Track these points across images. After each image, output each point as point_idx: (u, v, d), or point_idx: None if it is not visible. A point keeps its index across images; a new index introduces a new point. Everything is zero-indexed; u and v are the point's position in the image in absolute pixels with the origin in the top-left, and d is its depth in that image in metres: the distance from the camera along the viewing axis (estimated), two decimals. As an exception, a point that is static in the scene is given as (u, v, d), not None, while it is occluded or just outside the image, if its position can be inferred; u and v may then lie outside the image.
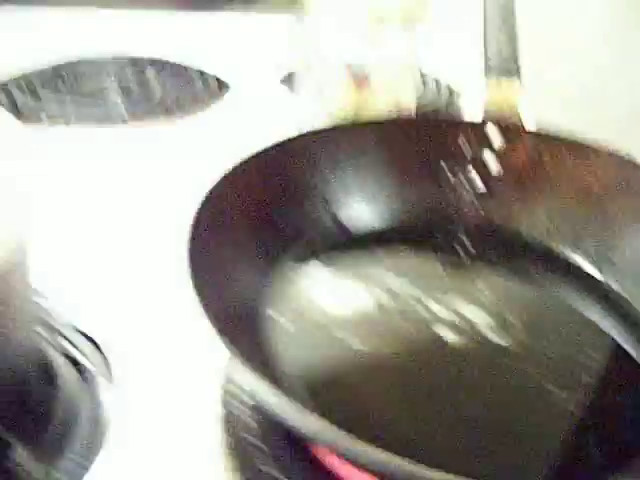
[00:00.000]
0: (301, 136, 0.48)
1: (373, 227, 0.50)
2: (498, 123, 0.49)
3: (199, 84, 0.77)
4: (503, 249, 0.49)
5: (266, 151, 0.45)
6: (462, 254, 0.48)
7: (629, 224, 0.47)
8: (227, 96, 0.74)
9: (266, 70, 0.79)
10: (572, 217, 0.49)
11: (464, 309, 0.43)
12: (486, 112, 0.49)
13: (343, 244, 0.48)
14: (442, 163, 0.50)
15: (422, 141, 0.51)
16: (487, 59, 0.49)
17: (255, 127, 0.65)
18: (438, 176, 0.50)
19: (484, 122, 0.49)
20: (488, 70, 0.49)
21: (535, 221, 0.49)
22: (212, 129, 0.66)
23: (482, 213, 0.50)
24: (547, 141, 0.49)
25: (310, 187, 0.48)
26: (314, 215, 0.48)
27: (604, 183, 0.48)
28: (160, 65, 0.80)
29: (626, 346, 0.42)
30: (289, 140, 0.46)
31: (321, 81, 0.56)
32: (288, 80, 0.74)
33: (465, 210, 0.50)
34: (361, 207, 0.50)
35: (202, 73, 0.79)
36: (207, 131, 0.66)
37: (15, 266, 0.29)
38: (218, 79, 0.77)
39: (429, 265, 0.48)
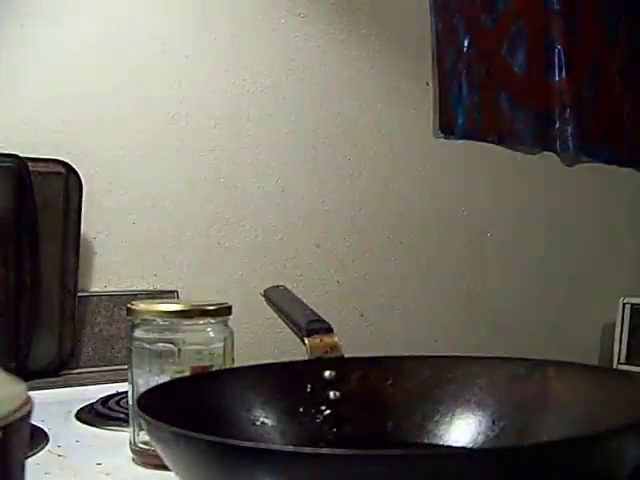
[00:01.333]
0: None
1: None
2: (327, 361, 0.63)
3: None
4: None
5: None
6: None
7: (455, 402, 0.62)
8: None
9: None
10: (411, 409, 0.62)
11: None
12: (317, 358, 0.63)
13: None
14: (302, 394, 0.63)
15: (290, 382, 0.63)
16: (298, 329, 0.64)
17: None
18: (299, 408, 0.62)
19: (321, 362, 0.63)
20: (305, 333, 0.64)
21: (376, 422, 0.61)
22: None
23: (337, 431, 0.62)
24: (367, 363, 0.64)
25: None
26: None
27: (427, 379, 0.63)
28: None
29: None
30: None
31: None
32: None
33: (326, 428, 0.62)
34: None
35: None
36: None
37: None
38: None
39: None
